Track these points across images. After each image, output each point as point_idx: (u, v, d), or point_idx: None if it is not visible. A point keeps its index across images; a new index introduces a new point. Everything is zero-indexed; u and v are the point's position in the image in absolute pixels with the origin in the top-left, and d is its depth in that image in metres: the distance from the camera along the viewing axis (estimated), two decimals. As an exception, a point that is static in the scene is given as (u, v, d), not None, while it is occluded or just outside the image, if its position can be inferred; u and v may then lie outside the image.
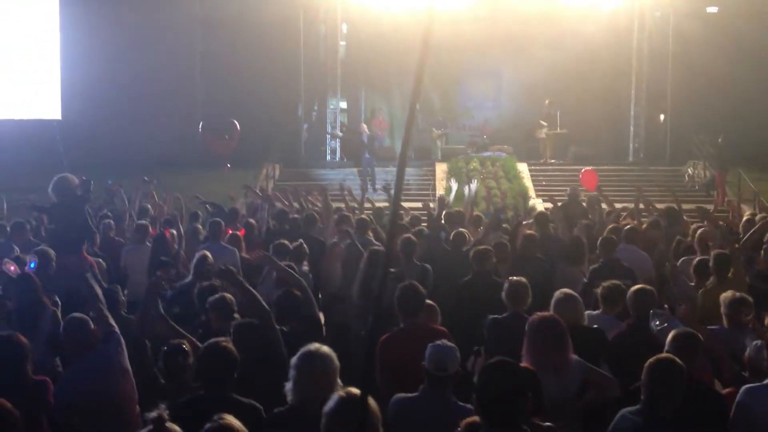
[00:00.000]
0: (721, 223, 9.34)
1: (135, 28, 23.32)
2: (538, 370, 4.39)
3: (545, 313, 4.93)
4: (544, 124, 23.03)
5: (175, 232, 9.30)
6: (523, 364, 4.41)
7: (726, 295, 5.73)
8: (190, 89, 24.78)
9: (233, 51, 23.86)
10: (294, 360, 3.91)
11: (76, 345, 5.06)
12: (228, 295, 5.71)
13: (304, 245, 7.95)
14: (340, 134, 24.33)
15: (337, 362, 3.91)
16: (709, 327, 5.43)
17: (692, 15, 23.45)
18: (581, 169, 19.64)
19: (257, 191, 11.19)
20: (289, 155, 23.49)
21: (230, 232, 9.26)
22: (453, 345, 4.53)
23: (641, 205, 10.72)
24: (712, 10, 24.71)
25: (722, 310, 5.66)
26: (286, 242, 7.96)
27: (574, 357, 4.73)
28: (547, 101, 23.21)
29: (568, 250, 8.02)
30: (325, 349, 3.92)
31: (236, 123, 19.14)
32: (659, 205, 11.23)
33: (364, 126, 22.59)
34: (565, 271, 7.67)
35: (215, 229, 8.96)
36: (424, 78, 2.67)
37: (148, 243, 9.39)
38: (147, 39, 23.32)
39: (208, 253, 7.40)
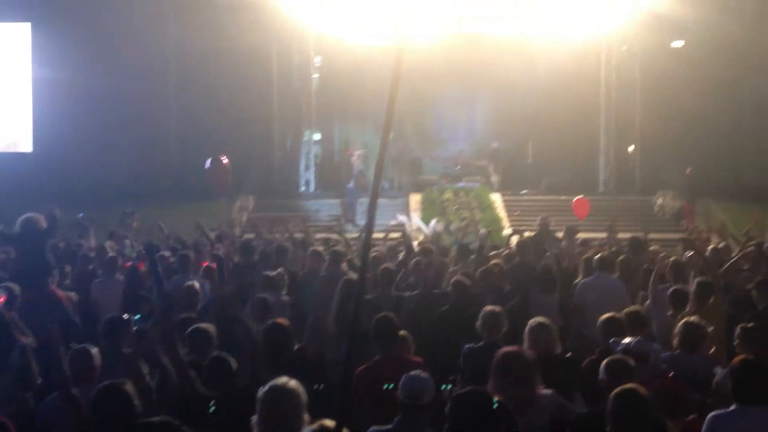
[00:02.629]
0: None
1: (108, 57, 23.28)
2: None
3: (510, 349, 4.85)
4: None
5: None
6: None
7: (683, 322, 5.82)
8: (163, 120, 24.73)
9: (207, 81, 23.89)
10: (262, 393, 3.85)
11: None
12: (206, 327, 5.71)
13: (284, 274, 7.98)
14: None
15: (305, 396, 3.87)
16: (665, 353, 5.48)
17: (658, 48, 23.97)
18: (554, 198, 19.85)
19: (206, 231, 11.03)
20: (263, 187, 23.46)
21: (205, 264, 9.23)
22: (427, 375, 4.55)
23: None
24: (678, 44, 25.29)
25: (679, 336, 5.74)
26: (268, 273, 8.00)
27: (546, 392, 4.69)
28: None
29: (540, 278, 8.10)
30: (293, 383, 3.88)
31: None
32: (627, 234, 11.39)
33: (356, 158, 22.64)
34: (539, 299, 7.75)
35: (184, 262, 8.95)
36: (396, 109, 2.74)
37: (118, 276, 9.32)
38: (120, 68, 23.28)
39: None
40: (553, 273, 8.12)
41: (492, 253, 10.23)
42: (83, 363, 5.21)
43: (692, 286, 7.12)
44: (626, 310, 6.15)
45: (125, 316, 6.28)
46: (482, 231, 11.60)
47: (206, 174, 15.02)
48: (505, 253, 10.24)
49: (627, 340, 5.06)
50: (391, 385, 4.64)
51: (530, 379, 4.62)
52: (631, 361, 4.66)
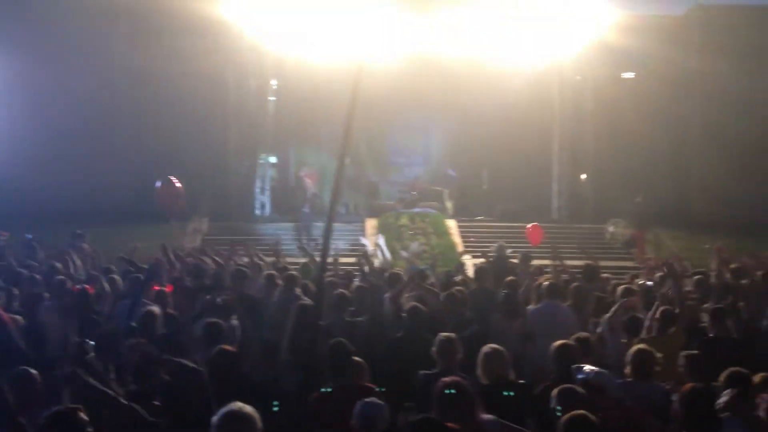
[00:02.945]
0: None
1: (59, 78, 22.99)
2: None
3: (449, 379, 4.81)
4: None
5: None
6: None
7: (636, 350, 5.90)
8: (115, 142, 24.43)
9: (162, 103, 23.71)
10: (216, 419, 3.72)
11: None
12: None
13: (235, 299, 7.87)
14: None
15: (260, 423, 3.81)
16: (619, 381, 5.54)
17: (610, 79, 24.53)
18: (508, 225, 20.03)
19: (169, 253, 10.85)
20: (217, 209, 23.24)
21: (157, 288, 9.06)
22: (381, 402, 4.53)
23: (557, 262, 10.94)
24: (629, 75, 25.92)
25: (632, 363, 5.80)
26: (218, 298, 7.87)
27: (487, 417, 4.68)
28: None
29: (503, 304, 8.14)
30: (248, 408, 3.81)
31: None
32: (579, 262, 11.50)
33: (309, 181, 22.64)
34: (501, 325, 7.78)
35: (135, 285, 8.78)
36: (353, 133, 2.75)
37: (66, 299, 9.09)
38: (71, 90, 23.00)
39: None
40: (516, 299, 8.18)
41: (454, 279, 10.23)
42: (26, 388, 5.06)
43: (656, 314, 7.22)
44: (575, 336, 6.19)
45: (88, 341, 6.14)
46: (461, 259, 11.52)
47: (157, 196, 14.77)
48: (461, 279, 10.28)
49: (587, 369, 5.10)
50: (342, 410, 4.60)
51: (469, 408, 4.60)
52: (586, 390, 4.69)
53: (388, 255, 11.88)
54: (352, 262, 13.07)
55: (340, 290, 7.97)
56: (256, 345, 7.88)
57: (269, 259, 11.95)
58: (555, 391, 4.67)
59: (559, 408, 4.50)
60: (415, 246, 11.75)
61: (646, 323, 7.17)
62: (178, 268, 10.56)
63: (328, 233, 2.54)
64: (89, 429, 3.97)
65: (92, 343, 6.69)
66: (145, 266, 10.82)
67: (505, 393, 5.29)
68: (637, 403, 5.20)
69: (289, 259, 11.82)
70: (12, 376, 5.15)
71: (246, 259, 11.38)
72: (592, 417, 4.06)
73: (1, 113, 23.09)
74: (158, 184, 14.67)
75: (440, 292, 8.66)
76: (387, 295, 8.49)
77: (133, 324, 6.92)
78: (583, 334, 6.61)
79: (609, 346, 6.98)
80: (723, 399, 4.43)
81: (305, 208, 21.24)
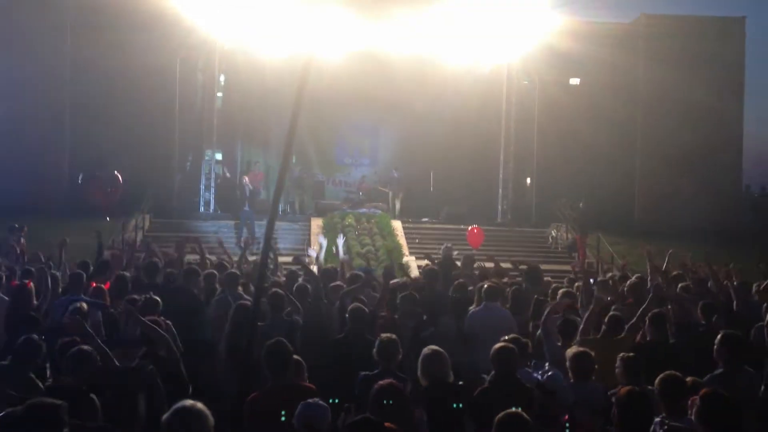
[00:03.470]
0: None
1: (2, 68, 22.36)
2: None
3: (384, 381, 4.87)
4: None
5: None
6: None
7: (574, 352, 5.98)
8: (58, 135, 23.88)
9: (106, 98, 23.24)
10: (166, 417, 3.68)
11: None
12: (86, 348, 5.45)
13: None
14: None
15: (212, 420, 3.75)
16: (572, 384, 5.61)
17: (557, 85, 24.89)
18: (453, 228, 20.17)
19: (102, 240, 10.65)
20: (161, 206, 22.86)
21: (94, 284, 8.85)
22: (323, 403, 4.49)
23: (508, 264, 11.04)
24: (575, 81, 26.35)
25: (571, 365, 5.88)
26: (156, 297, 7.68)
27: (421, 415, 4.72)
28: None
29: (455, 306, 8.16)
30: (200, 405, 3.75)
31: (119, 175, 18.03)
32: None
33: (246, 178, 22.42)
34: (449, 326, 7.81)
35: (76, 280, 8.57)
36: (299, 131, 2.71)
37: (1, 294, 8.82)
38: (13, 82, 22.41)
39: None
40: (466, 302, 8.22)
41: (395, 281, 10.22)
42: None
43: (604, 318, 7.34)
44: (511, 337, 6.23)
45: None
46: (405, 259, 11.54)
47: (85, 191, 14.37)
48: (405, 279, 10.29)
49: (539, 372, 5.17)
50: (283, 415, 4.56)
51: (404, 409, 4.66)
52: (540, 393, 4.76)
53: (342, 253, 11.82)
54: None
55: (275, 290, 7.87)
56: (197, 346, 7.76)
57: (213, 257, 11.78)
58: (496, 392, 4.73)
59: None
60: (341, 243, 11.68)
61: (581, 325, 7.26)
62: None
63: (269, 232, 2.49)
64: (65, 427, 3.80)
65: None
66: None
67: (454, 406, 5.34)
68: (578, 404, 5.27)
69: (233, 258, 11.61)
70: None
71: (196, 256, 11.18)
72: (525, 416, 4.10)
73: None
74: (81, 179, 14.23)
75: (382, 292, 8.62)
76: (343, 291, 8.45)
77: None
78: (514, 336, 6.64)
79: (545, 349, 7.06)
80: None
81: (246, 206, 21.04)
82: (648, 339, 7.32)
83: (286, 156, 2.51)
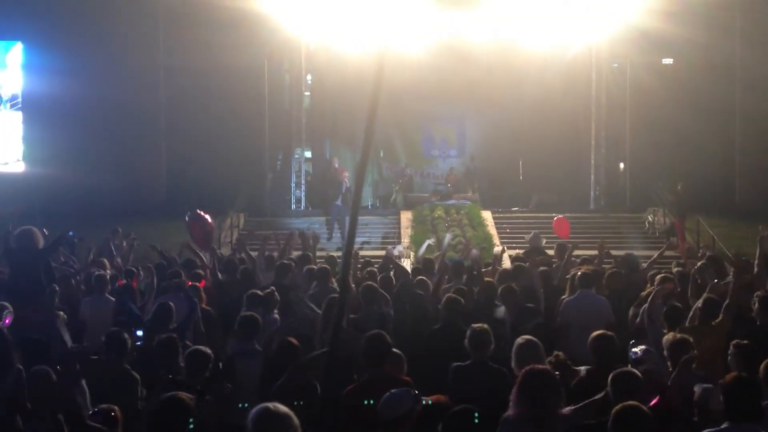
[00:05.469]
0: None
1: (98, 76, 23.22)
2: (520, 420, 4.35)
3: (535, 367, 4.72)
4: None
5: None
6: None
7: (668, 338, 5.79)
8: (154, 137, 24.68)
9: (197, 99, 23.85)
10: (250, 418, 3.64)
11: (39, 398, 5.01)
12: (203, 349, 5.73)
13: (275, 293, 7.88)
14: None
15: (296, 421, 3.75)
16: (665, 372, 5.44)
17: (648, 66, 24.09)
18: (544, 216, 19.83)
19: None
20: (253, 204, 23.42)
21: (190, 283, 9.11)
22: (402, 390, 4.49)
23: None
24: (668, 61, 25.44)
25: (667, 353, 5.70)
26: (258, 292, 7.90)
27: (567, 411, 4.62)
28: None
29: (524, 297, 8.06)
30: (282, 407, 3.75)
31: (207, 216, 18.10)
32: (617, 252, 11.32)
33: (346, 174, 22.56)
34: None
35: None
36: (385, 126, 2.70)
37: (107, 294, 9.20)
38: (110, 87, 23.22)
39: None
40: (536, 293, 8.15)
41: (484, 270, 10.16)
42: (42, 385, 5.24)
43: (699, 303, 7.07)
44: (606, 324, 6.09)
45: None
46: (474, 251, 11.46)
47: (189, 230, 14.65)
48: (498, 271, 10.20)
49: (637, 349, 5.08)
50: (371, 402, 4.58)
51: (551, 398, 4.52)
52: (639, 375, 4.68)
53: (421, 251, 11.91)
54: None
55: (367, 282, 7.93)
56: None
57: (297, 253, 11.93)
58: (611, 378, 4.69)
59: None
60: (448, 238, 11.70)
61: (691, 313, 7.03)
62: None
63: (353, 226, 2.50)
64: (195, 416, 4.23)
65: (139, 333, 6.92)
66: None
67: None
68: (678, 394, 5.11)
69: (320, 253, 11.77)
70: (33, 373, 5.27)
71: (276, 253, 11.38)
72: (644, 409, 4.01)
73: (42, 112, 23.46)
74: (188, 217, 14.58)
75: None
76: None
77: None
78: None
79: (649, 337, 6.85)
80: None
81: (338, 201, 21.23)
82: (758, 324, 7.03)
83: (365, 149, 2.51)
